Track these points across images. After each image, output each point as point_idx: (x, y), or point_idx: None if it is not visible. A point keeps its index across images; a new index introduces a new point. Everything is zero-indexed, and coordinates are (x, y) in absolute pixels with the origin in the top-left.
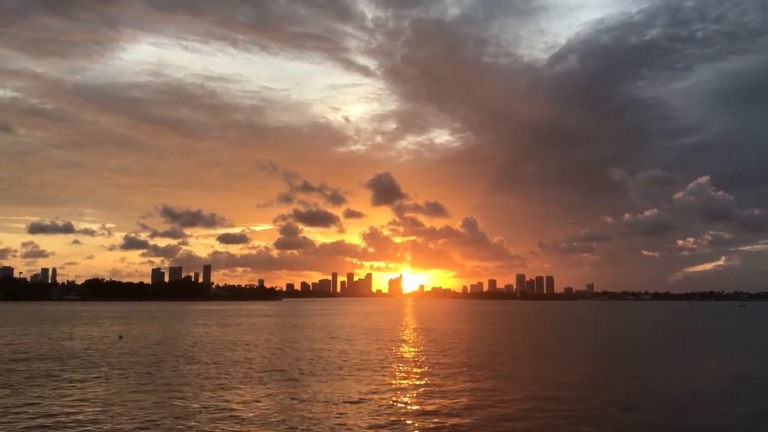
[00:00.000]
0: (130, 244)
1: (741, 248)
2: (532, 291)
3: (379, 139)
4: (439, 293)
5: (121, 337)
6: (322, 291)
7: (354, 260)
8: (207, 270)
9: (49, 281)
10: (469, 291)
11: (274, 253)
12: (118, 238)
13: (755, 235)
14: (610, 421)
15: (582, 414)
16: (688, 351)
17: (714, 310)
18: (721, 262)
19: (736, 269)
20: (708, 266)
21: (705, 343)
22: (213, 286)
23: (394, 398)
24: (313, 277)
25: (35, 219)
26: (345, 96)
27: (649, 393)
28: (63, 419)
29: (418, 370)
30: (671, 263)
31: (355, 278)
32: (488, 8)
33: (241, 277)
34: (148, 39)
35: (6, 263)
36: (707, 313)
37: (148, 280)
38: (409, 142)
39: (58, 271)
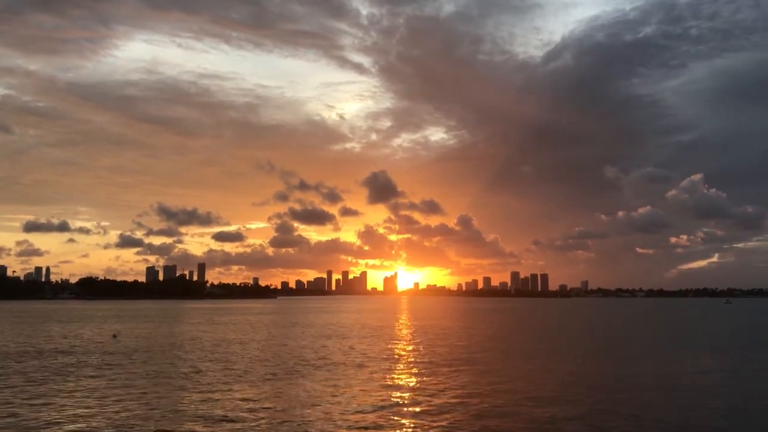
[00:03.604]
0: (125, 242)
1: (734, 245)
2: (526, 288)
3: (374, 136)
4: (434, 291)
5: (115, 336)
6: (317, 289)
7: (349, 258)
8: (201, 268)
9: (43, 280)
10: (464, 288)
11: (270, 251)
12: (113, 236)
13: (748, 232)
14: (597, 417)
15: (567, 410)
16: (669, 346)
17: (702, 306)
18: (714, 259)
19: (729, 266)
20: (702, 263)
21: (686, 339)
22: (208, 285)
23: (385, 394)
24: (308, 275)
25: (29, 218)
26: (340, 94)
27: (631, 387)
28: (56, 417)
29: (411, 367)
30: (665, 260)
31: (350, 276)
32: (483, 6)
33: (236, 275)
34: (141, 36)
35: (0, 262)
36: (694, 310)
37: (142, 279)
38: (404, 140)
39: (52, 270)
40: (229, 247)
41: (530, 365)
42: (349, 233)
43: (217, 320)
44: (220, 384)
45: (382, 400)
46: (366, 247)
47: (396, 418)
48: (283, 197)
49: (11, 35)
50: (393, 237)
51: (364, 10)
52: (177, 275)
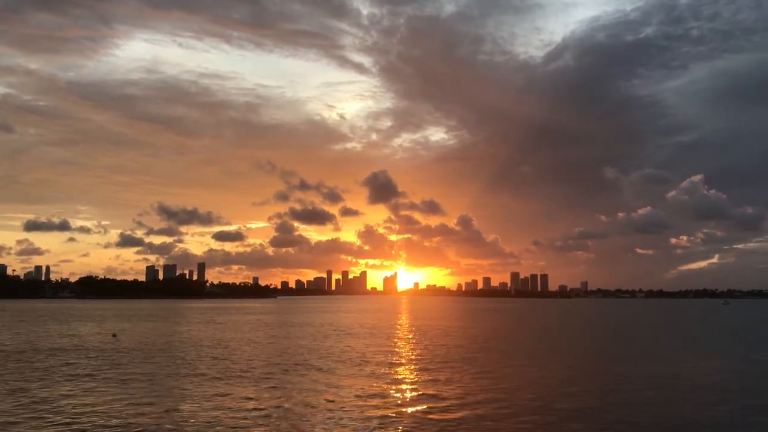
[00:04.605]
0: (126, 241)
1: (734, 246)
2: (526, 289)
3: (374, 136)
4: (433, 291)
5: (115, 335)
6: (317, 289)
7: (349, 258)
8: (201, 268)
9: (43, 279)
10: (463, 289)
11: (270, 250)
12: (114, 235)
13: (748, 233)
14: (597, 417)
15: (567, 410)
16: (668, 347)
17: (701, 307)
18: (714, 260)
19: (729, 267)
20: (702, 264)
21: (685, 339)
22: (207, 284)
23: (384, 394)
24: (308, 275)
25: (30, 216)
26: (340, 93)
27: (630, 387)
28: (55, 417)
29: (410, 367)
30: (665, 261)
31: (350, 276)
32: (484, 6)
33: (236, 275)
34: (142, 36)
35: (0, 261)
36: (692, 311)
37: (142, 278)
38: (404, 139)
39: (52, 269)
40: (229, 247)
41: (530, 365)
42: (349, 233)
43: (217, 320)
44: (220, 383)
45: (382, 400)
46: (366, 247)
47: (395, 418)
48: (283, 197)
49: (12, 34)
50: (393, 237)
51: (365, 10)
52: (177, 275)
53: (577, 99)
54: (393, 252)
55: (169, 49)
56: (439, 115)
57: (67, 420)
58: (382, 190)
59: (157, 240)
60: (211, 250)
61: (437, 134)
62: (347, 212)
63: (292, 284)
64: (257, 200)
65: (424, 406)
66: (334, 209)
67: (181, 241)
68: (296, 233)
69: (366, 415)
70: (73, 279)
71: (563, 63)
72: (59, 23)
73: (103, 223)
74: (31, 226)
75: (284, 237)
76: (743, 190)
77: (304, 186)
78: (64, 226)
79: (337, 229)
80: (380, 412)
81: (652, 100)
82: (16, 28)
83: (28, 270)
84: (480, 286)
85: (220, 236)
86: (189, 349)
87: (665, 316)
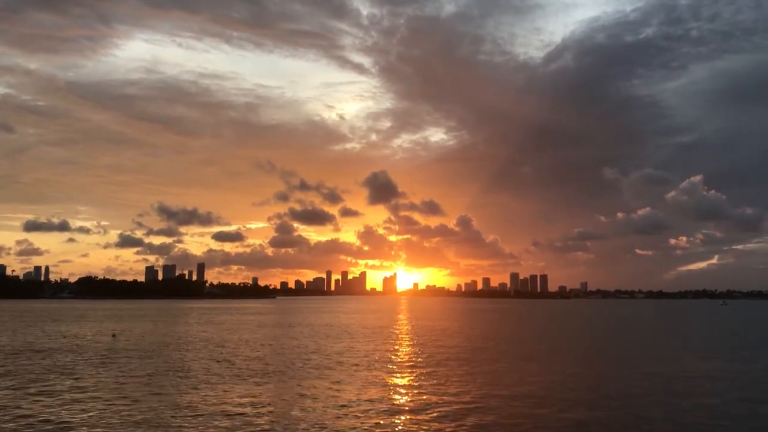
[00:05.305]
0: (125, 242)
1: (734, 247)
2: (526, 289)
3: (374, 137)
4: (433, 291)
5: (114, 336)
6: (316, 289)
7: (349, 258)
8: (201, 268)
9: (42, 279)
10: (463, 289)
11: (269, 251)
12: (113, 236)
13: (748, 234)
14: (597, 417)
15: (567, 411)
16: (667, 347)
17: (700, 308)
18: (714, 261)
19: (728, 268)
20: (701, 265)
21: (684, 340)
22: (207, 284)
23: (383, 394)
24: (308, 276)
25: (29, 217)
26: (340, 94)
27: (629, 388)
28: (54, 417)
29: (409, 367)
30: (665, 262)
31: (350, 276)
32: (484, 6)
33: (236, 275)
34: (142, 36)
35: (0, 261)
36: (691, 311)
37: (142, 278)
38: (404, 140)
39: (51, 269)
40: (229, 247)
41: (530, 366)
42: (348, 233)
43: (216, 320)
44: (219, 383)
45: (380, 400)
46: (366, 248)
47: (393, 418)
48: (283, 197)
49: (11, 34)
50: (393, 237)
51: (365, 10)
52: (176, 275)
53: (577, 99)
54: (392, 252)
55: (168, 49)
56: (438, 115)
57: (68, 420)
58: (381, 190)
59: (157, 240)
60: (210, 251)
61: (437, 135)
62: (347, 213)
63: (291, 285)
64: (257, 200)
65: (424, 408)
66: (333, 210)
67: (180, 241)
68: (296, 233)
69: (366, 416)
70: (72, 279)
71: (563, 63)
72: (59, 23)
73: (103, 223)
74: (31, 227)
75: (284, 237)
76: (743, 191)
77: (303, 186)
78: (63, 227)
79: (337, 229)
80: (380, 413)
81: (651, 100)
82: (16, 28)
83: (28, 270)
84: (479, 286)
85: (220, 236)
86: (187, 349)
87: (665, 317)
